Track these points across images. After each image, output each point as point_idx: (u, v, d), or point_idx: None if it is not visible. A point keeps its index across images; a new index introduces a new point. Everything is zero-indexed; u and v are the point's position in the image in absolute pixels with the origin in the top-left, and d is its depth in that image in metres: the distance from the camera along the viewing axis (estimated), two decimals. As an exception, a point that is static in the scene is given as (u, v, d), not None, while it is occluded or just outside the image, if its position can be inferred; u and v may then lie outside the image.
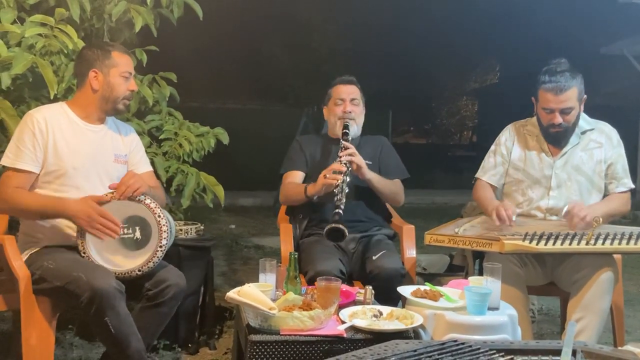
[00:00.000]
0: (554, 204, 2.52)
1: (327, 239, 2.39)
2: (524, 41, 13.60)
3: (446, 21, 14.44)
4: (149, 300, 2.17)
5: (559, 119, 2.46)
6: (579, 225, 2.32)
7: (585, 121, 2.59)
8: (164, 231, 2.15)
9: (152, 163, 2.97)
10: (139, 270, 2.13)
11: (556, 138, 2.53)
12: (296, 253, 2.19)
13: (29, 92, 2.73)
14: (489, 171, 2.67)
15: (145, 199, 2.17)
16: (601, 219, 2.31)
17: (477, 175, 2.70)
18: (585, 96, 2.51)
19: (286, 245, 2.64)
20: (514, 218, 2.40)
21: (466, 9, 13.70)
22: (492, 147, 2.70)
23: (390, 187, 2.78)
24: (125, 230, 2.19)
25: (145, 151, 2.70)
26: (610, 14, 9.92)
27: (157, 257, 2.14)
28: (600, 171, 2.54)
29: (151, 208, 2.17)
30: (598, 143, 2.56)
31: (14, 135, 2.22)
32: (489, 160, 2.69)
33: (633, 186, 2.55)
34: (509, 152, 2.64)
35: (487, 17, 13.95)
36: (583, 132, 2.57)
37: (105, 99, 2.27)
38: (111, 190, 2.18)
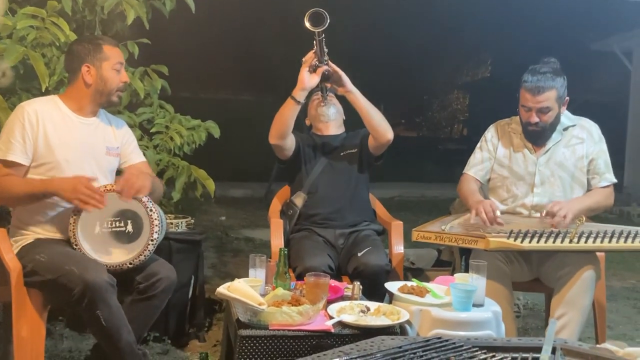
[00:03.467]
0: (539, 200, 2.57)
1: (309, 25, 2.37)
2: (516, 36, 13.64)
3: (438, 15, 14.44)
4: (140, 293, 2.19)
5: (535, 118, 2.51)
6: (561, 224, 2.36)
7: (567, 117, 2.62)
8: (156, 225, 2.17)
9: (143, 156, 2.98)
10: (131, 263, 2.15)
11: (533, 136, 2.59)
12: (286, 249, 2.21)
13: (20, 84, 2.72)
14: (475, 166, 2.71)
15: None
16: (584, 218, 2.36)
17: (465, 170, 2.74)
18: (567, 98, 2.55)
19: (276, 241, 2.67)
20: (498, 213, 2.43)
21: (459, 3, 13.70)
22: (479, 144, 2.75)
23: (376, 110, 2.72)
24: (117, 223, 2.21)
25: (136, 144, 2.72)
26: (601, 11, 9.98)
27: (149, 250, 2.16)
28: (582, 167, 2.58)
29: (143, 202, 2.18)
30: (580, 139, 2.60)
31: (5, 127, 2.23)
32: (475, 156, 2.73)
33: (615, 180, 2.58)
34: (495, 149, 2.69)
35: (479, 11, 13.97)
36: (565, 129, 2.61)
37: (99, 92, 2.28)
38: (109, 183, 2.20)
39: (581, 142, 2.59)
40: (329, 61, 2.57)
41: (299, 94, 2.60)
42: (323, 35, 2.44)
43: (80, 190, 2.07)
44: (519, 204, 2.60)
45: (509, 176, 2.63)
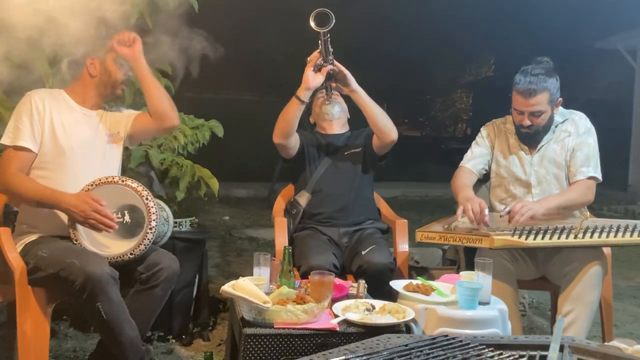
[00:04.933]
0: None
1: (314, 25, 2.36)
2: (519, 34, 13.59)
3: (442, 14, 14.41)
4: (142, 283, 2.18)
5: (527, 122, 2.49)
6: (520, 221, 2.31)
7: (559, 114, 2.59)
8: (152, 213, 2.15)
9: (147, 155, 2.97)
10: (131, 253, 2.14)
11: (526, 138, 2.57)
12: (290, 247, 2.21)
13: (24, 84, 2.71)
14: (472, 159, 2.68)
15: (132, 183, 2.18)
16: (588, 213, 2.33)
17: (461, 163, 2.71)
18: (560, 99, 2.52)
19: (281, 239, 2.66)
20: (486, 211, 2.36)
21: (462, 2, 13.68)
22: (476, 140, 2.74)
23: (380, 110, 2.70)
24: (115, 215, 2.20)
25: (140, 143, 2.72)
26: (605, 9, 9.94)
27: (148, 239, 2.14)
28: (568, 160, 2.55)
29: (138, 191, 2.17)
30: (568, 132, 2.57)
31: (13, 115, 2.25)
32: (472, 150, 2.71)
33: (592, 175, 2.50)
34: (492, 145, 2.68)
35: (482, 10, 13.94)
36: (556, 126, 2.59)
37: (104, 83, 2.32)
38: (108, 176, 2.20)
39: (569, 135, 2.56)
40: (334, 60, 2.56)
41: (304, 93, 2.59)
42: (328, 35, 2.43)
43: (90, 215, 2.09)
44: None
45: (507, 176, 2.62)
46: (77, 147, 2.25)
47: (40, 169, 2.22)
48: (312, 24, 2.36)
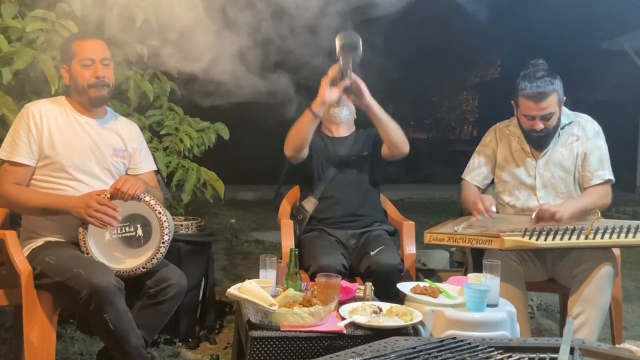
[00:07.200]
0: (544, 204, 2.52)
1: (340, 51, 2.34)
2: (525, 36, 13.55)
3: (447, 15, 14.39)
4: (149, 298, 2.18)
5: (540, 126, 2.46)
6: (548, 220, 2.33)
7: (564, 116, 2.57)
8: (166, 227, 2.16)
9: (153, 158, 2.97)
10: (143, 267, 2.14)
11: (539, 141, 2.55)
12: (296, 250, 2.19)
13: (30, 87, 2.72)
14: (472, 172, 2.68)
15: (145, 197, 2.18)
16: (599, 213, 2.32)
17: (463, 175, 2.72)
18: (564, 97, 2.50)
19: (287, 241, 2.65)
20: (493, 209, 2.41)
21: (467, 3, 13.65)
22: (477, 148, 2.73)
23: (394, 123, 2.67)
24: (127, 229, 2.20)
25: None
26: (611, 9, 9.89)
27: (161, 253, 2.15)
28: (579, 165, 2.54)
29: (151, 205, 2.17)
30: (575, 136, 2.56)
31: (11, 128, 2.24)
32: (473, 161, 2.71)
33: (608, 178, 2.50)
34: (494, 153, 2.66)
35: (488, 11, 13.90)
36: (562, 128, 2.57)
37: (77, 91, 2.26)
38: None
39: (577, 139, 2.55)
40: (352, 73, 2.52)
41: (319, 107, 2.57)
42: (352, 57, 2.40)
43: (93, 206, 2.08)
44: (525, 207, 2.56)
45: (510, 180, 2.60)
46: (76, 159, 2.23)
47: (41, 182, 2.21)
48: (338, 49, 2.34)
